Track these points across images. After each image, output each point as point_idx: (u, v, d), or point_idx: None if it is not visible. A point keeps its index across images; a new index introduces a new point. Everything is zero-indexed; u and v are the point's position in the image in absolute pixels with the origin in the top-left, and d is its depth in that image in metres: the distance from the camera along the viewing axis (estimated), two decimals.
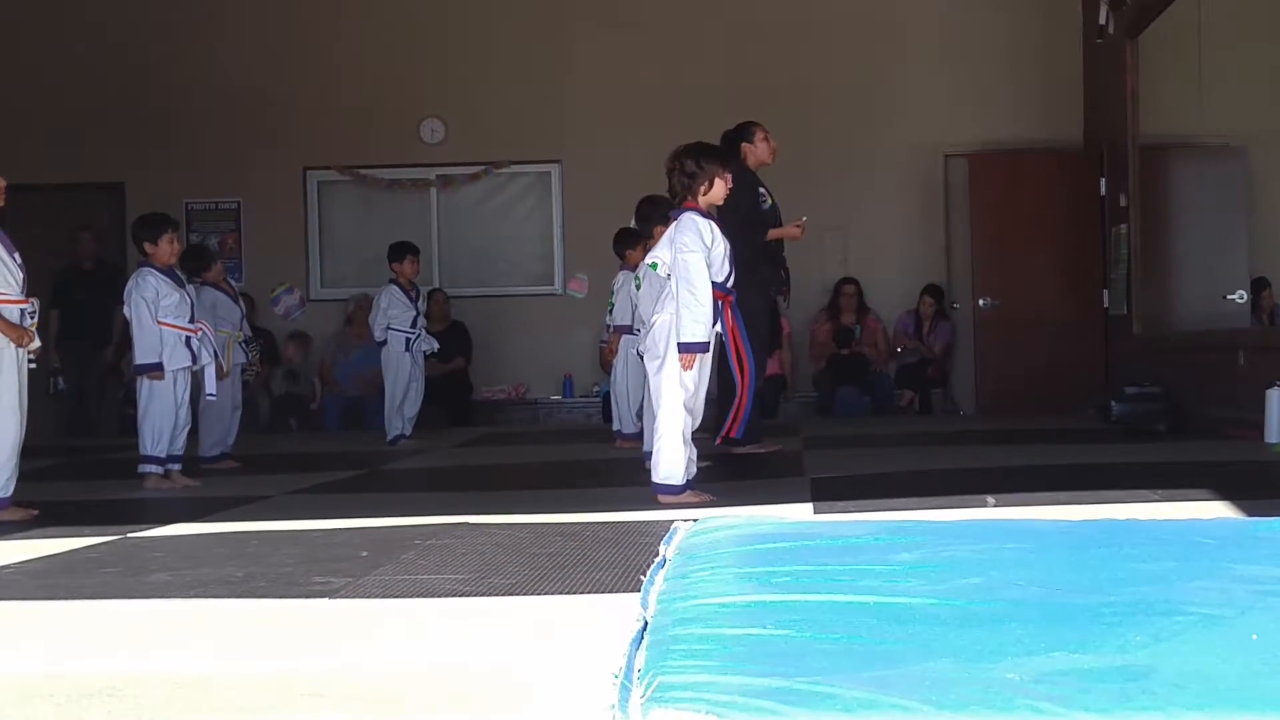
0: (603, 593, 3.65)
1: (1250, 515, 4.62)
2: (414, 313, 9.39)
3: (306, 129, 11.83)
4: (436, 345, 9.62)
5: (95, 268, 11.37)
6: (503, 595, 3.69)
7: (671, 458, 5.59)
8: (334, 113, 11.80)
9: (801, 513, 5.07)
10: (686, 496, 5.58)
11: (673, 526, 4.28)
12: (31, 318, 5.83)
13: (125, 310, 7.13)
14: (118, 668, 2.93)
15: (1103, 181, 10.81)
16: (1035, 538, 3.87)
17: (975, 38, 11.53)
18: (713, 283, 5.62)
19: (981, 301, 11.20)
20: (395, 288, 9.35)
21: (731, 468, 6.98)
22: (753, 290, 7.46)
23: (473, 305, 11.85)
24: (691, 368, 5.58)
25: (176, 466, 7.11)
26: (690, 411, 5.65)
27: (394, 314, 9.28)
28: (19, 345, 5.76)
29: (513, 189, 12.18)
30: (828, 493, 5.74)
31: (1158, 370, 9.01)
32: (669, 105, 11.12)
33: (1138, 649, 2.54)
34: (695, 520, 4.38)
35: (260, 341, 11.27)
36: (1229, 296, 8.95)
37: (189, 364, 7.12)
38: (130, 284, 7.10)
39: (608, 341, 9.11)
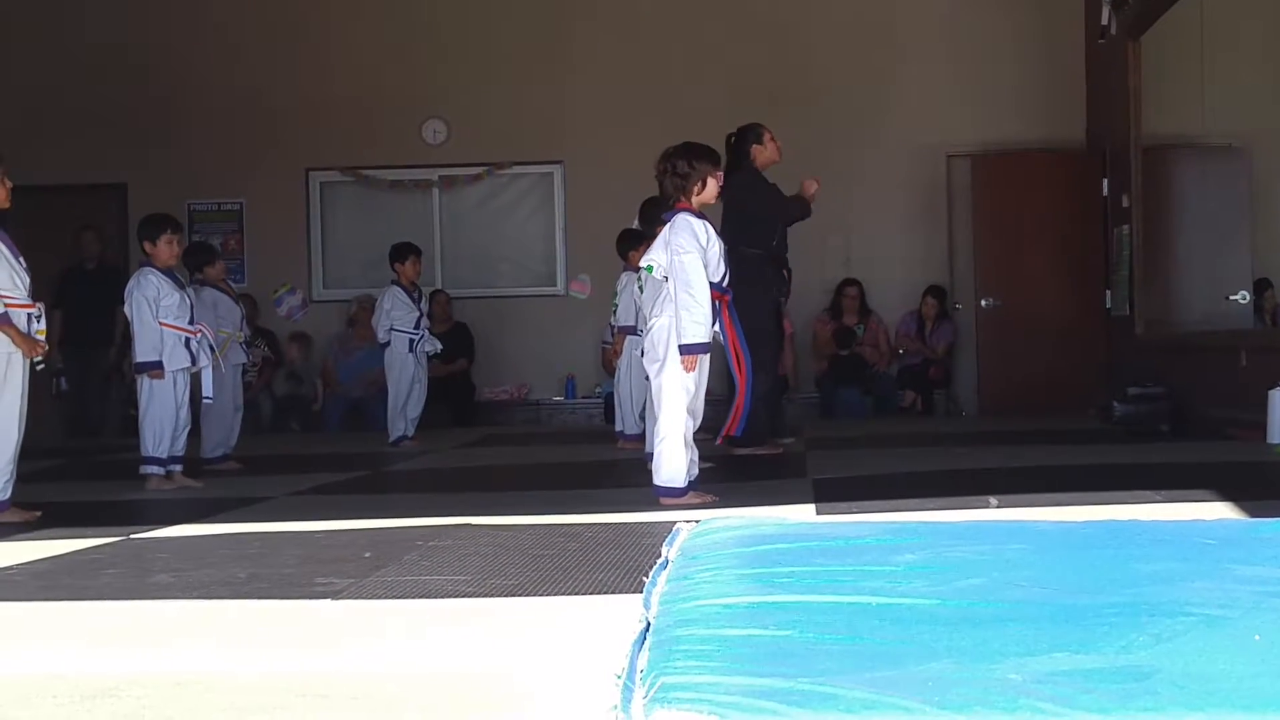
0: (605, 594, 3.65)
1: (1253, 516, 4.62)
2: (417, 314, 9.39)
3: (309, 130, 11.84)
4: (440, 346, 9.63)
5: (98, 268, 11.38)
6: (505, 596, 3.69)
7: (673, 460, 5.59)
8: (336, 114, 11.82)
9: (804, 514, 5.07)
10: (689, 498, 5.58)
11: (675, 527, 4.28)
12: (38, 321, 5.84)
13: (126, 309, 7.13)
14: (120, 668, 2.93)
15: (1105, 182, 10.81)
16: (1037, 538, 3.87)
17: (978, 38, 11.53)
18: (710, 283, 5.61)
19: (984, 302, 11.20)
20: (398, 289, 9.36)
21: (733, 469, 6.98)
22: (757, 290, 7.48)
23: (475, 306, 11.86)
24: (694, 369, 5.58)
25: (178, 468, 7.12)
26: (691, 413, 5.65)
27: (397, 315, 9.29)
28: (31, 356, 5.77)
29: (515, 190, 12.19)
30: (830, 494, 5.74)
31: (1160, 371, 9.01)
32: (671, 105, 11.13)
33: (1140, 650, 2.54)
34: (697, 521, 4.39)
35: (264, 342, 11.32)
36: (1231, 297, 8.94)
37: (187, 365, 7.12)
38: (131, 283, 7.11)
39: (611, 343, 9.11)
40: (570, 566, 4.10)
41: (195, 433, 7.56)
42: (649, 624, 2.95)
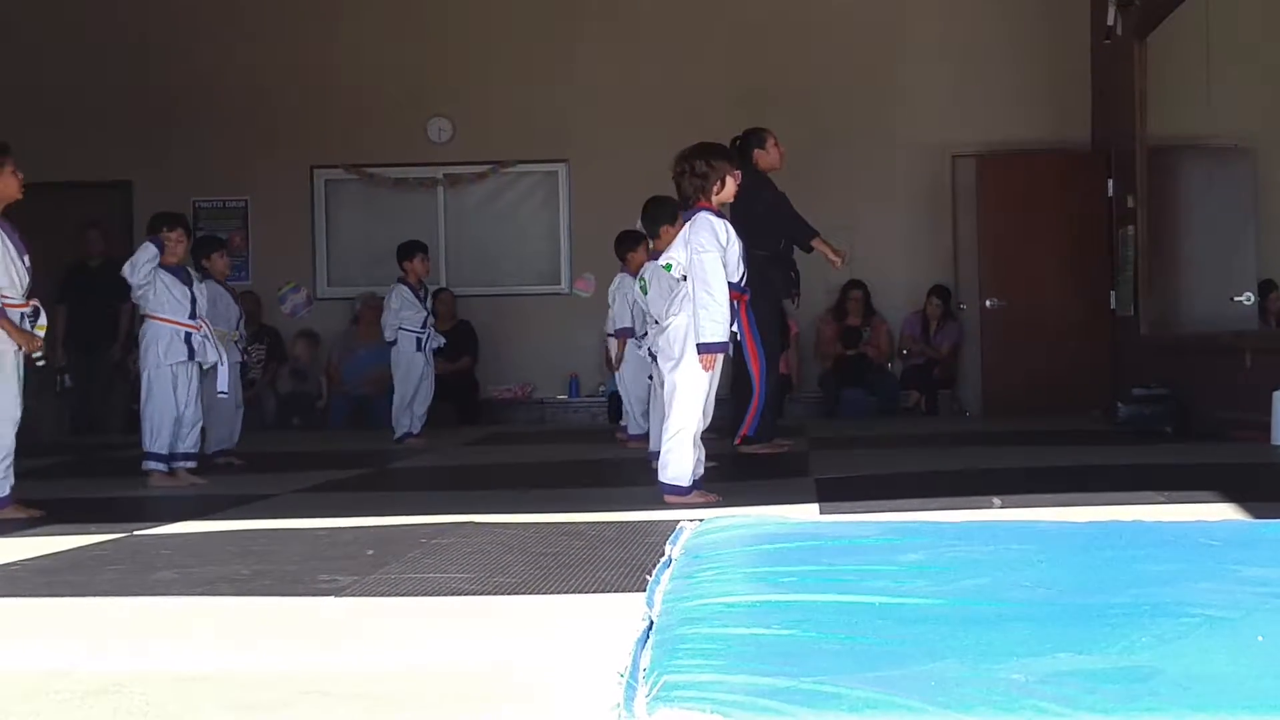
0: (608, 592, 3.65)
1: (1256, 517, 4.61)
2: (424, 313, 9.41)
3: (314, 128, 11.85)
4: (443, 341, 9.67)
5: (102, 265, 11.37)
6: (508, 594, 3.69)
7: (681, 458, 5.58)
8: (341, 112, 11.82)
9: (807, 513, 5.07)
10: (693, 497, 5.58)
11: (679, 526, 4.29)
12: (32, 321, 5.82)
13: (135, 296, 7.15)
14: (123, 665, 2.93)
15: (1110, 182, 10.80)
16: (1041, 539, 3.87)
17: (983, 38, 11.52)
18: (729, 283, 5.60)
19: (988, 302, 11.19)
20: (405, 288, 9.37)
21: (738, 468, 6.98)
22: (761, 291, 7.48)
23: (479, 304, 11.85)
24: (713, 368, 5.57)
25: (189, 464, 7.13)
26: (702, 413, 5.65)
27: (405, 315, 9.32)
28: (29, 350, 5.77)
29: (519, 188, 12.19)
30: (833, 493, 5.74)
31: (1164, 372, 9.00)
32: (676, 105, 11.13)
33: (1143, 650, 2.54)
34: (701, 520, 4.39)
35: (263, 343, 11.32)
36: (1236, 298, 8.94)
37: (184, 358, 7.10)
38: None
39: (609, 345, 9.08)
40: (573, 564, 4.10)
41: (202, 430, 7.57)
42: (652, 622, 2.95)
